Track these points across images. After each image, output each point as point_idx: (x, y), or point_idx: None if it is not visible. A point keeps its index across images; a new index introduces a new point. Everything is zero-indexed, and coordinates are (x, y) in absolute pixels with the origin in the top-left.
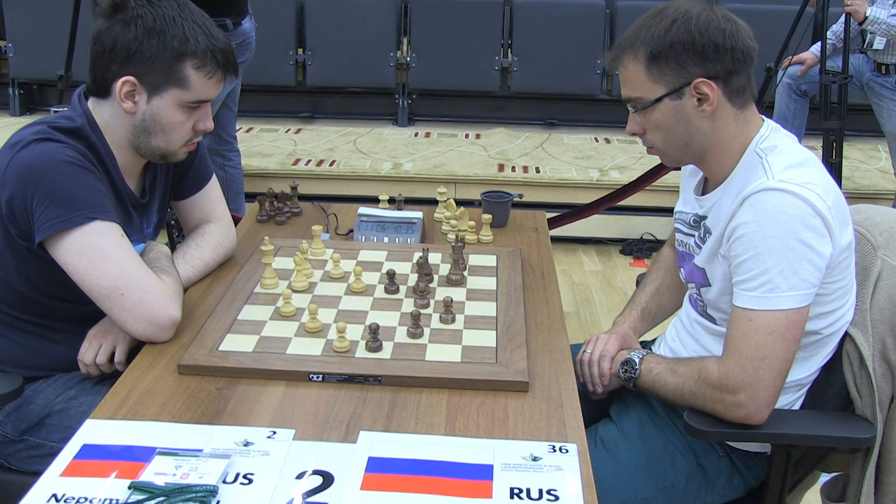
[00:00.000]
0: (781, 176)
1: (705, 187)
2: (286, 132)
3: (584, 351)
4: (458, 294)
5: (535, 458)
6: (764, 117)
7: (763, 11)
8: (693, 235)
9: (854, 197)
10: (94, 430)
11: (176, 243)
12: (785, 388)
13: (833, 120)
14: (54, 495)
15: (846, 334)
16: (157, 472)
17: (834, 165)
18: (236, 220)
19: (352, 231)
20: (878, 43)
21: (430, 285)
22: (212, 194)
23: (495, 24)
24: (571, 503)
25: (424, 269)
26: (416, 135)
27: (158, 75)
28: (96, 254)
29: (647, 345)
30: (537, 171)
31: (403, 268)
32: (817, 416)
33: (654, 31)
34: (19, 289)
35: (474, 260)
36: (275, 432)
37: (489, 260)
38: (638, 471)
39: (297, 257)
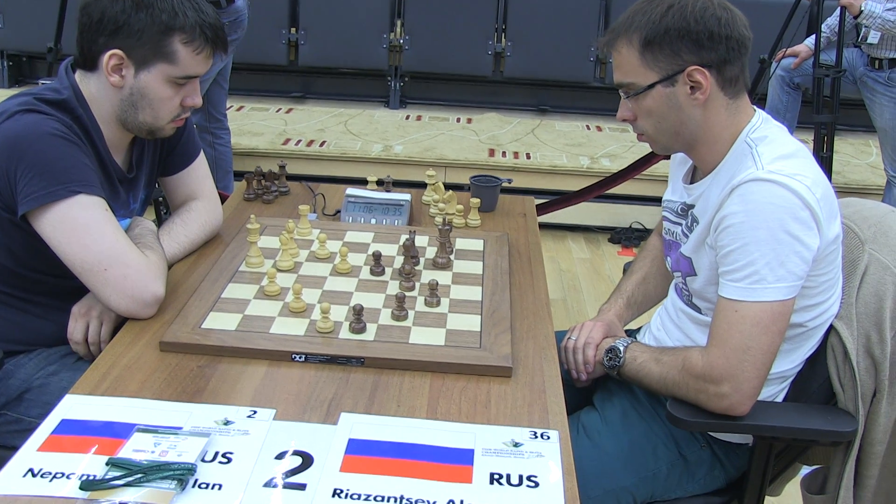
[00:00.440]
0: (771, 167)
1: (694, 176)
2: (277, 111)
3: (569, 338)
4: (443, 277)
5: (516, 444)
6: (756, 108)
7: (758, 3)
8: (680, 224)
9: (844, 192)
10: (74, 406)
11: (163, 220)
12: (768, 380)
13: (825, 114)
14: (31, 470)
15: (831, 327)
16: (136, 449)
17: (825, 159)
18: (225, 199)
19: (339, 212)
20: (873, 37)
21: (416, 268)
22: (199, 171)
23: (489, 8)
24: (551, 490)
25: (411, 252)
26: (408, 118)
27: (146, 49)
28: (80, 228)
29: (632, 333)
30: (528, 157)
31: (390, 250)
32: (800, 408)
33: (650, 17)
34: (2, 261)
35: (461, 244)
36: (255, 412)
37: (476, 244)
38: (619, 459)
39: (283, 237)
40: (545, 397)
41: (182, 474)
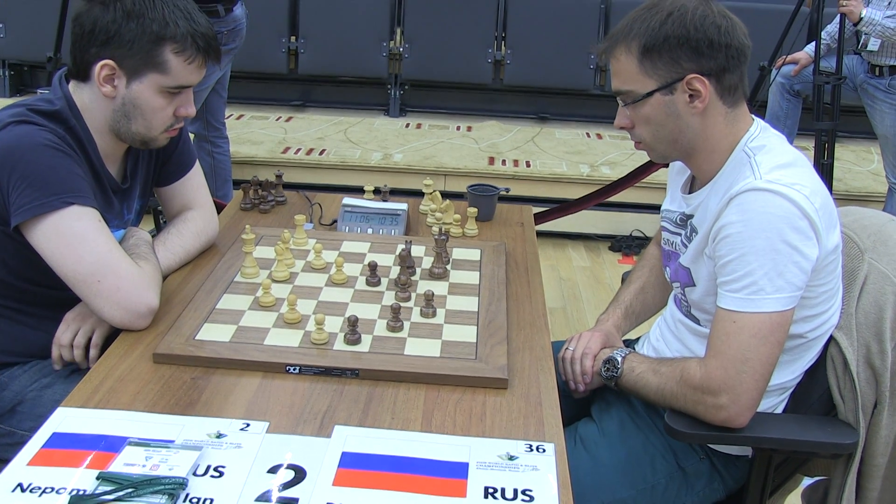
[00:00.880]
0: (769, 176)
1: (692, 186)
2: (276, 120)
3: (567, 348)
4: (439, 288)
5: (511, 457)
6: (754, 116)
7: (758, 10)
8: (679, 234)
9: (845, 199)
10: (65, 419)
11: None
12: (768, 391)
13: (826, 121)
14: (20, 485)
15: (831, 338)
16: (127, 463)
17: (825, 167)
18: (223, 208)
19: (336, 221)
20: (873, 44)
21: (412, 278)
22: (195, 181)
23: (489, 16)
24: None
25: (407, 262)
26: (408, 126)
27: (137, 59)
28: (73, 239)
29: (630, 344)
30: (528, 164)
31: (386, 260)
32: (800, 420)
33: (649, 24)
34: None
35: (458, 253)
36: (248, 424)
37: (473, 254)
38: (617, 471)
39: (279, 247)
40: (541, 409)
41: (173, 489)
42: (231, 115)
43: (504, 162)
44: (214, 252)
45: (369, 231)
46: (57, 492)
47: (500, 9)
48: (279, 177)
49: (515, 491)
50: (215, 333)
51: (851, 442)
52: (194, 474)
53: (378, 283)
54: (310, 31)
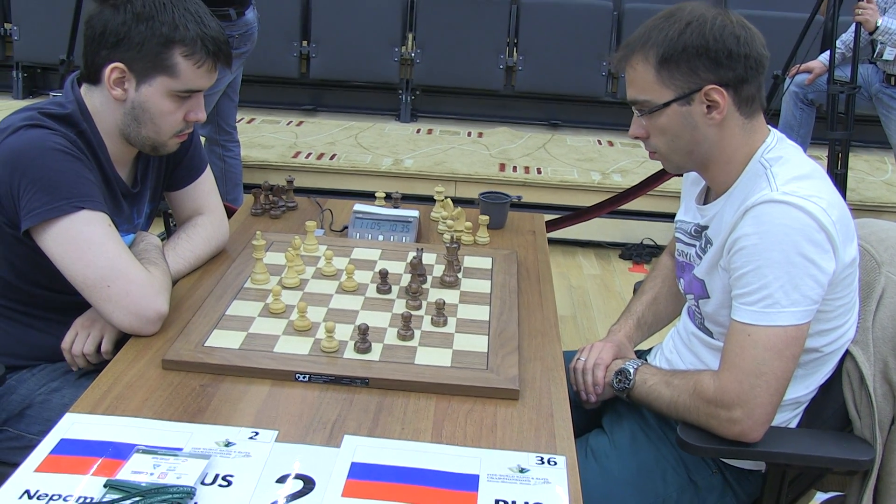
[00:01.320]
0: (786, 188)
1: (707, 196)
2: (287, 124)
3: (578, 359)
4: (451, 296)
5: (522, 470)
6: (770, 127)
7: (772, 18)
8: (694, 246)
9: (858, 209)
10: (73, 425)
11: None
12: (782, 405)
13: (840, 130)
14: (27, 491)
15: (847, 352)
16: (135, 471)
17: (839, 176)
18: (234, 212)
19: (346, 228)
20: (888, 53)
21: (423, 286)
22: (205, 186)
23: (501, 22)
24: None
25: (418, 270)
26: (419, 131)
27: (146, 62)
28: (83, 243)
29: (642, 355)
30: (538, 171)
31: (397, 267)
32: (815, 435)
33: (667, 34)
34: (5, 276)
35: (469, 262)
36: (257, 433)
37: (484, 262)
38: (628, 484)
39: (289, 253)
40: (552, 421)
41: (180, 498)
42: (242, 118)
43: (515, 168)
44: (224, 257)
45: (380, 238)
46: (64, 499)
47: (512, 15)
48: (290, 182)
49: None
50: (225, 340)
51: (868, 459)
52: (202, 483)
53: (389, 291)
54: (321, 35)
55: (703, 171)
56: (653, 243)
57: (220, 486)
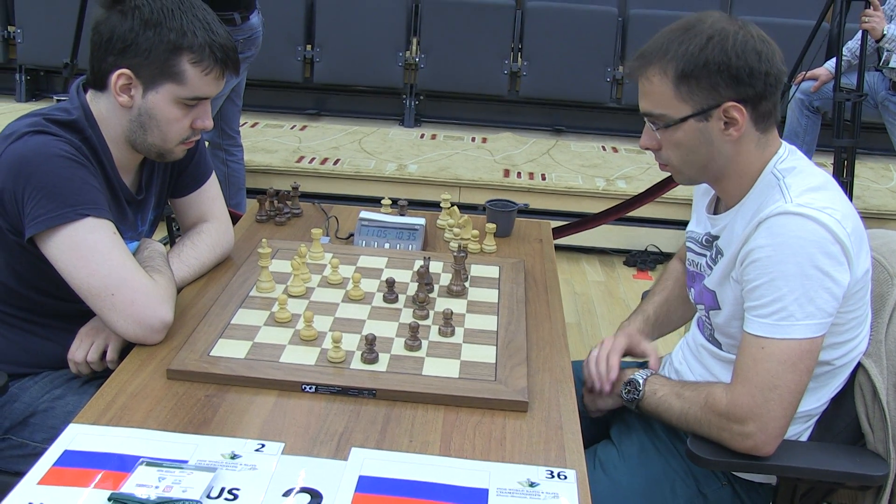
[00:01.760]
0: (800, 200)
1: (717, 206)
2: (291, 128)
3: (591, 352)
4: (458, 306)
5: (532, 484)
6: (781, 141)
7: (778, 25)
8: (704, 255)
9: (863, 217)
10: (77, 436)
11: (175, 237)
12: (793, 418)
13: (846, 138)
14: None
15: (859, 365)
16: (140, 484)
17: (845, 184)
18: (237, 217)
19: (352, 235)
20: (895, 61)
21: (430, 295)
22: (210, 192)
23: (506, 27)
24: None
25: (425, 279)
26: (422, 136)
27: (153, 68)
28: (87, 251)
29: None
30: (543, 177)
31: (403, 276)
32: (827, 449)
33: (688, 48)
34: (7, 283)
35: (476, 270)
36: (263, 445)
37: (492, 271)
38: (637, 495)
39: (295, 261)
40: (562, 434)
41: None
42: (245, 122)
43: (519, 174)
44: (229, 265)
45: (386, 246)
46: None
47: (516, 20)
48: (296, 188)
49: None
50: (230, 350)
51: (882, 474)
52: (208, 497)
53: (395, 300)
54: (325, 39)
55: (715, 183)
56: (657, 250)
57: (227, 499)
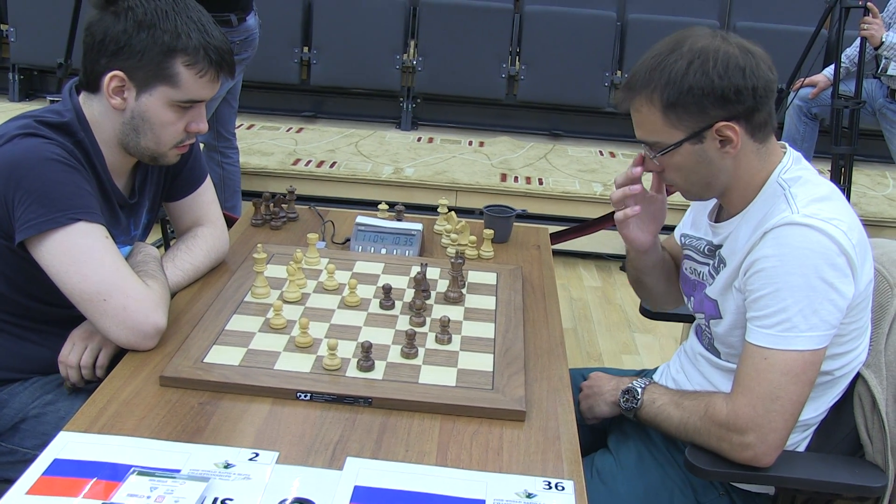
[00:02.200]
0: (806, 210)
1: (719, 213)
2: (287, 131)
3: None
4: (455, 313)
5: (529, 495)
6: (786, 144)
7: (776, 31)
8: (707, 264)
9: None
10: (67, 444)
11: (170, 240)
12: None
13: (844, 145)
14: None
15: (858, 375)
16: (131, 494)
17: (842, 191)
18: (232, 221)
19: (349, 240)
20: (893, 69)
21: (427, 302)
22: (205, 196)
23: (504, 31)
24: None
25: (422, 285)
26: (419, 140)
27: (147, 71)
28: (79, 256)
29: (649, 374)
30: (540, 182)
31: (400, 282)
32: (825, 459)
33: (669, 75)
34: None
35: (474, 277)
36: (257, 454)
37: (489, 278)
38: None
39: (291, 266)
40: (559, 444)
41: None
42: (241, 124)
43: (517, 179)
44: (224, 270)
45: (383, 251)
46: None
47: (515, 24)
48: (292, 192)
49: None
50: (224, 356)
51: (880, 486)
52: None
53: (392, 307)
54: (323, 42)
55: (720, 196)
56: None
57: None
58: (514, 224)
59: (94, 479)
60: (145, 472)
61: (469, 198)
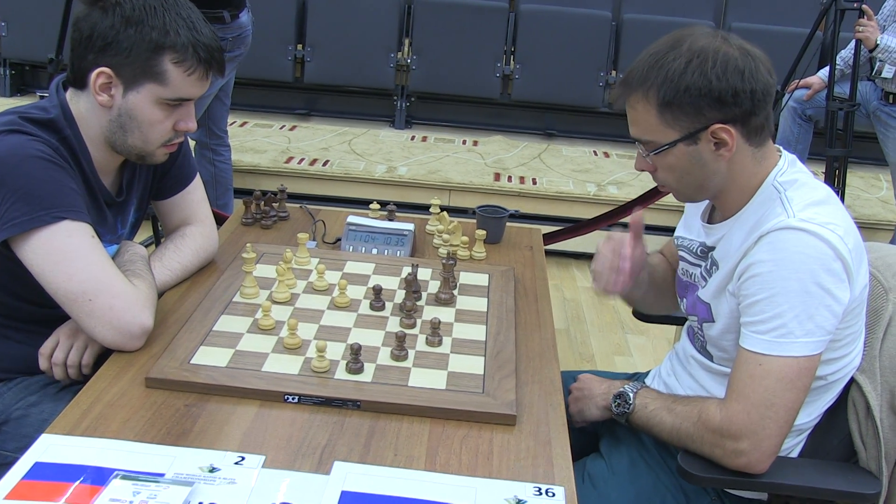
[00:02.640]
0: (802, 214)
1: (712, 215)
2: (281, 128)
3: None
4: (446, 315)
5: (519, 501)
6: (780, 148)
7: (772, 33)
8: (699, 266)
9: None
10: (49, 447)
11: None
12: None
13: (838, 147)
14: None
15: (852, 380)
16: (113, 499)
17: (836, 194)
18: (224, 219)
19: (340, 240)
20: (887, 71)
21: (418, 303)
22: (195, 195)
23: (499, 30)
24: None
25: (413, 287)
26: (413, 138)
27: (134, 68)
28: (64, 255)
29: (641, 377)
30: (534, 182)
31: (391, 283)
32: (819, 466)
33: (667, 73)
34: None
35: (465, 278)
36: (243, 458)
37: (481, 279)
38: None
39: (280, 266)
40: (550, 449)
41: None
42: (234, 121)
43: (510, 178)
44: (213, 269)
45: (374, 252)
46: None
47: (510, 23)
48: (283, 191)
49: None
50: (211, 357)
51: (874, 493)
52: None
53: (382, 308)
54: (317, 39)
55: (714, 199)
56: None
57: None
58: (507, 224)
59: (76, 483)
60: (128, 475)
61: (462, 197)
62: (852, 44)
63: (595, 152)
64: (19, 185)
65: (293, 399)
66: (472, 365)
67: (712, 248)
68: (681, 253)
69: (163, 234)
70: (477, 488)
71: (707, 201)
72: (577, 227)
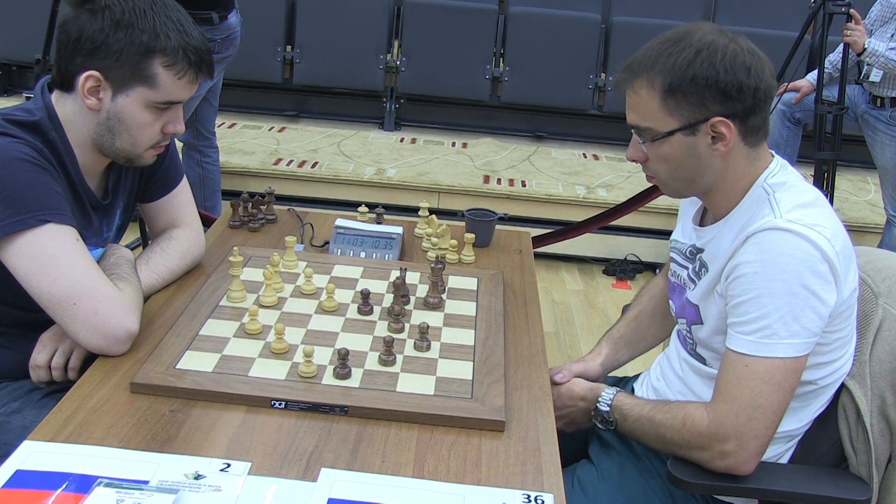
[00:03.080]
0: (790, 216)
1: (704, 217)
2: (269, 130)
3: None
4: (434, 319)
5: None
6: (773, 152)
7: (760, 36)
8: (687, 268)
9: None
10: (31, 454)
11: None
12: (774, 438)
13: (827, 150)
14: None
15: (843, 386)
16: None
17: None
18: (212, 221)
19: (328, 243)
20: (875, 75)
21: (406, 308)
22: (181, 197)
23: (488, 32)
24: None
25: (401, 291)
26: (402, 140)
27: (124, 71)
28: (48, 259)
29: (629, 381)
30: (523, 184)
31: (379, 287)
32: (809, 472)
33: (675, 61)
34: None
35: (454, 282)
36: (229, 465)
37: (470, 283)
38: None
39: (268, 270)
40: (539, 455)
41: None
42: (223, 123)
43: (499, 181)
44: (200, 272)
45: (362, 255)
46: None
47: (499, 25)
48: (270, 194)
49: None
50: (197, 362)
51: (864, 498)
52: None
53: (370, 312)
54: (306, 40)
55: (703, 196)
56: (637, 259)
57: None
58: (496, 228)
59: (59, 491)
60: (112, 483)
61: (451, 199)
62: (840, 47)
63: (585, 155)
64: (3, 187)
65: (280, 405)
66: (461, 370)
67: (701, 251)
68: (672, 255)
69: (150, 236)
70: (465, 496)
71: (700, 203)
72: (566, 229)
